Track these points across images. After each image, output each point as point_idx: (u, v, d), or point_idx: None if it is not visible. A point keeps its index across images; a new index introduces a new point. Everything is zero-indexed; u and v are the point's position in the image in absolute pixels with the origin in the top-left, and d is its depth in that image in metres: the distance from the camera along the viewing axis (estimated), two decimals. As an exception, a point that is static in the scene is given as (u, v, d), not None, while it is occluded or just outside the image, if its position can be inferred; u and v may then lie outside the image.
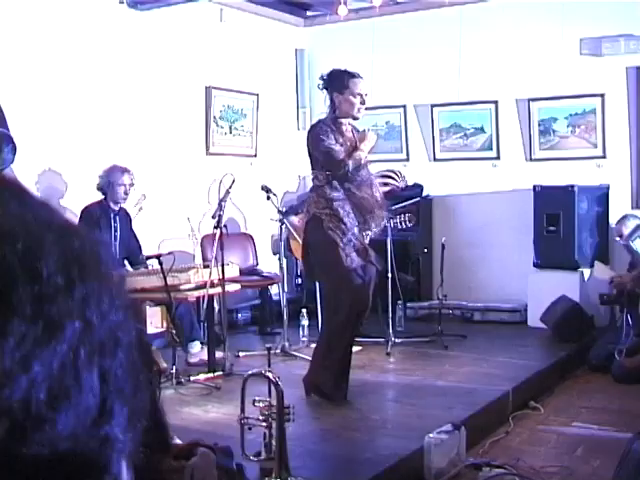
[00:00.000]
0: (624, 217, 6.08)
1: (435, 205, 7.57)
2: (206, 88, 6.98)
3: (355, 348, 4.84)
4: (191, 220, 6.57)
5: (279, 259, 6.53)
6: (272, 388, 3.12)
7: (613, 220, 6.48)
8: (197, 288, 5.00)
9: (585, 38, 6.71)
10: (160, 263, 4.79)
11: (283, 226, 6.13)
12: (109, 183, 5.45)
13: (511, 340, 6.18)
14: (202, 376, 4.92)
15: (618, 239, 6.06)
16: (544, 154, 7.08)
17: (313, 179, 4.40)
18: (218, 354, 5.13)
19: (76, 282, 0.46)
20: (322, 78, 4.44)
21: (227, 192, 5.15)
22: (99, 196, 5.48)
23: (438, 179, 7.47)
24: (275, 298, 6.68)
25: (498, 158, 7.33)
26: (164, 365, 4.75)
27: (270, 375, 3.10)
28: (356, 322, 4.33)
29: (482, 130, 7.37)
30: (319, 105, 4.83)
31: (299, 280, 7.36)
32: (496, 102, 7.22)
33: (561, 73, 6.86)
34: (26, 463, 0.42)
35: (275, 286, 6.73)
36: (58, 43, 5.65)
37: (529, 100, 7.05)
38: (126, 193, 5.51)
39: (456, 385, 4.80)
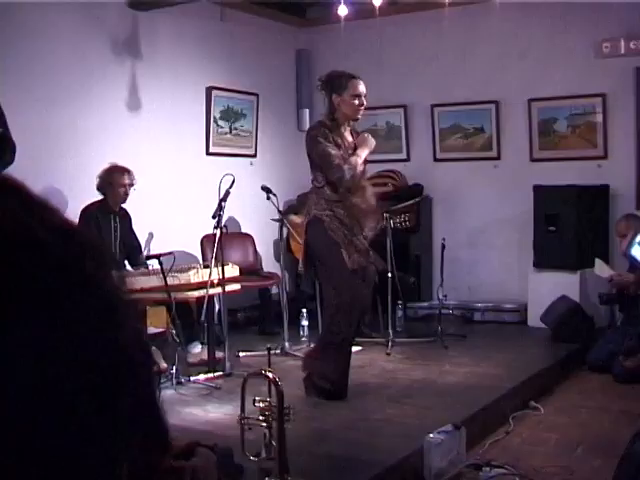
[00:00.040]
0: (625, 216, 6.08)
1: (435, 205, 7.57)
2: (206, 88, 6.98)
3: (355, 348, 4.85)
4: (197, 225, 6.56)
5: (279, 259, 6.54)
6: (272, 388, 3.12)
7: (613, 220, 6.48)
8: (197, 288, 5.00)
9: (586, 38, 6.71)
10: (160, 263, 4.79)
11: (283, 226, 6.14)
12: (109, 183, 5.45)
13: (511, 340, 6.18)
14: (202, 376, 4.92)
15: (618, 238, 6.06)
16: (544, 154, 7.08)
17: (312, 180, 4.40)
18: (218, 354, 5.13)
19: (76, 282, 0.46)
20: (321, 79, 4.44)
21: (227, 192, 5.14)
22: (99, 196, 5.48)
23: (438, 179, 7.47)
24: (275, 298, 6.67)
25: (498, 158, 7.33)
26: (164, 365, 4.75)
27: (270, 375, 3.10)
28: (357, 322, 4.33)
29: (482, 130, 7.37)
30: (319, 105, 4.82)
31: (299, 280, 7.36)
32: (496, 102, 7.22)
33: (561, 73, 6.86)
34: None
35: (275, 286, 6.73)
36: (58, 43, 5.65)
37: (529, 100, 7.05)
38: (126, 193, 5.51)
39: (456, 385, 4.79)
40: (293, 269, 6.84)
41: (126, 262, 5.58)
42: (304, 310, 6.39)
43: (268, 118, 7.60)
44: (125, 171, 5.48)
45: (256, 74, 7.43)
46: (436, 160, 7.60)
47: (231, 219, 6.77)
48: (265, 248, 7.39)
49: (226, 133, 7.24)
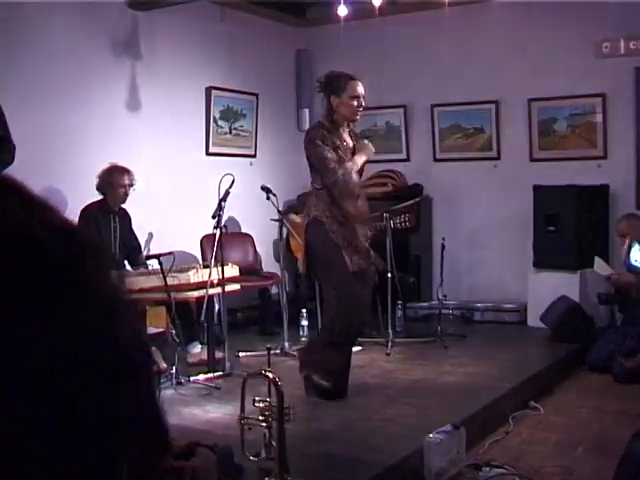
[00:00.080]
0: (625, 216, 6.08)
1: (435, 205, 7.57)
2: (206, 88, 6.98)
3: (355, 348, 4.85)
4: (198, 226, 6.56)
5: (279, 259, 6.54)
6: (272, 388, 3.11)
7: (613, 220, 6.48)
8: (197, 288, 5.00)
9: (586, 38, 6.71)
10: (160, 263, 4.79)
11: (283, 226, 6.14)
12: (109, 183, 5.45)
13: (511, 340, 6.18)
14: (202, 376, 4.92)
15: (619, 238, 6.07)
16: (544, 154, 7.07)
17: (312, 182, 4.40)
18: (218, 354, 5.13)
19: (75, 282, 0.46)
20: (319, 81, 4.44)
21: (227, 192, 5.14)
22: (99, 196, 5.48)
23: (438, 179, 7.47)
24: (275, 298, 6.67)
25: (498, 158, 7.33)
26: (164, 365, 4.75)
27: (270, 375, 3.09)
28: (358, 323, 4.32)
29: (482, 130, 7.37)
30: (319, 105, 4.83)
31: (299, 280, 7.36)
32: (496, 102, 7.22)
33: (561, 73, 6.86)
34: None
35: (275, 286, 6.73)
36: (58, 43, 5.65)
37: (529, 100, 7.05)
38: (126, 194, 5.51)
39: (456, 385, 4.80)
40: (293, 269, 6.85)
41: (126, 262, 5.58)
42: (304, 310, 6.39)
43: (268, 118, 7.60)
44: (125, 171, 5.48)
45: (256, 74, 7.43)
46: (436, 160, 7.60)
47: (231, 219, 6.77)
48: (265, 248, 7.39)
49: (226, 133, 7.24)
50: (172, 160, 6.59)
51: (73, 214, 5.22)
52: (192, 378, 4.85)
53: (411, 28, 7.47)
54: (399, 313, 6.42)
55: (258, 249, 7.17)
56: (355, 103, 4.30)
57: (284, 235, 6.37)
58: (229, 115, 7.24)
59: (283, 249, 6.30)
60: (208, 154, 7.04)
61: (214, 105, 7.03)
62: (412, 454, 3.53)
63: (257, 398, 3.16)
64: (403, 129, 7.74)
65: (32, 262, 0.44)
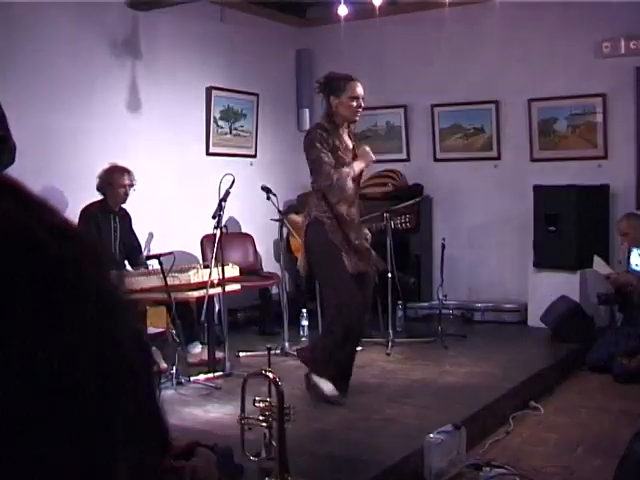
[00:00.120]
0: (626, 216, 6.08)
1: (435, 205, 7.57)
2: (206, 88, 6.98)
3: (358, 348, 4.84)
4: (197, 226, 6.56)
5: (279, 259, 6.54)
6: (272, 388, 3.11)
7: (613, 220, 6.49)
8: (197, 288, 5.00)
9: (586, 38, 6.71)
10: (160, 263, 4.79)
11: (283, 226, 6.14)
12: (109, 184, 5.45)
13: (511, 340, 6.18)
14: (202, 376, 4.92)
15: (620, 237, 6.07)
16: (544, 154, 7.07)
17: (312, 183, 4.39)
18: (218, 354, 5.13)
19: (74, 283, 0.46)
20: (318, 82, 4.44)
21: (227, 192, 5.14)
22: (99, 196, 5.48)
23: (438, 179, 7.47)
24: (275, 298, 6.67)
25: (498, 158, 7.33)
26: (164, 365, 4.75)
27: (270, 375, 3.09)
28: (359, 323, 4.31)
29: (482, 130, 7.37)
30: (319, 105, 4.83)
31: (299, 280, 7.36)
32: (496, 102, 7.22)
33: (561, 73, 6.86)
34: None
35: (275, 286, 6.73)
36: (58, 43, 5.65)
37: (529, 100, 7.05)
38: (126, 194, 5.51)
39: (456, 385, 4.80)
40: (293, 269, 6.84)
41: (126, 262, 5.58)
42: (304, 310, 6.39)
43: (268, 118, 7.60)
44: (125, 171, 5.48)
45: (256, 74, 7.43)
46: (436, 160, 7.60)
47: (231, 219, 6.77)
48: (265, 248, 7.39)
49: (226, 133, 7.24)
50: (172, 160, 6.59)
51: (73, 214, 5.23)
52: (192, 378, 4.86)
53: (411, 28, 7.47)
54: (399, 313, 6.42)
55: (258, 249, 7.17)
56: (354, 104, 4.30)
57: (284, 235, 6.37)
58: (229, 115, 7.24)
59: (283, 249, 6.31)
60: (208, 154, 7.04)
61: (214, 105, 7.03)
62: (412, 454, 3.53)
63: (257, 398, 3.16)
64: (403, 129, 7.74)
65: (29, 263, 0.44)
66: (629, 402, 4.74)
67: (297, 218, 5.96)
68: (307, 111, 7.94)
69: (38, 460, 0.44)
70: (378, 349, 5.75)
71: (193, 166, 6.80)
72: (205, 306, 4.93)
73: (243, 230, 7.20)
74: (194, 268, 5.10)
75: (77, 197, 5.43)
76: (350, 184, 4.29)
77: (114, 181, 5.44)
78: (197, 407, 4.38)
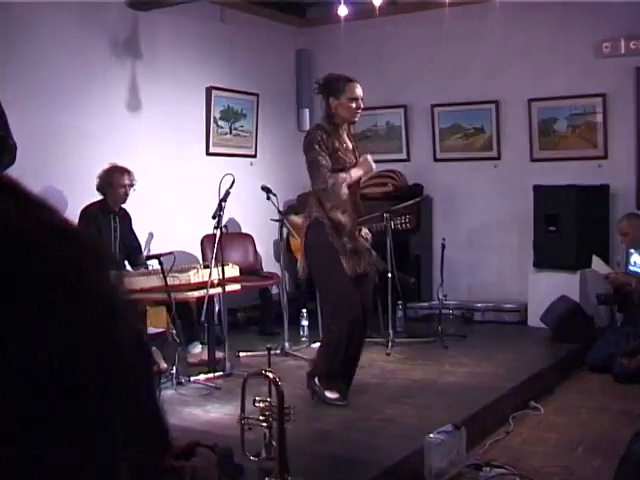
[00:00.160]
0: (627, 215, 6.08)
1: (435, 205, 7.57)
2: (206, 88, 6.98)
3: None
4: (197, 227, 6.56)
5: (279, 259, 6.54)
6: (272, 388, 3.11)
7: (613, 220, 6.49)
8: (197, 288, 5.00)
9: (586, 38, 6.71)
10: (160, 263, 4.79)
11: (283, 226, 6.14)
12: (109, 184, 5.45)
13: (511, 340, 6.18)
14: (202, 376, 4.92)
15: (620, 237, 6.07)
16: (544, 154, 7.07)
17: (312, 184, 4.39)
18: (218, 354, 5.13)
19: (73, 284, 0.46)
20: (318, 83, 4.45)
21: (227, 192, 5.14)
22: (99, 196, 5.48)
23: (438, 179, 7.47)
24: (275, 298, 6.68)
25: (498, 158, 7.33)
26: (164, 365, 4.75)
27: (270, 375, 3.09)
28: (359, 324, 4.31)
29: (482, 130, 7.37)
30: (319, 105, 4.83)
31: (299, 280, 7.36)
32: (496, 102, 7.22)
33: (561, 73, 6.86)
34: None
35: (275, 286, 6.73)
36: (58, 43, 5.65)
37: (529, 100, 7.05)
38: (126, 194, 5.51)
39: (456, 385, 4.80)
40: (293, 269, 6.84)
41: (126, 262, 5.58)
42: (304, 310, 6.39)
43: (268, 118, 7.60)
44: (125, 171, 5.48)
45: (256, 74, 7.43)
46: (436, 160, 7.60)
47: (231, 219, 6.77)
48: (265, 248, 7.39)
49: (226, 133, 7.24)
50: (172, 160, 6.59)
51: (73, 214, 5.23)
52: (192, 378, 4.86)
53: (411, 28, 7.47)
54: (399, 313, 6.42)
55: (258, 249, 7.17)
56: (354, 105, 4.30)
57: (284, 235, 6.37)
58: (229, 115, 7.24)
59: (283, 249, 6.31)
60: (208, 154, 7.04)
61: (214, 105, 7.03)
62: (412, 454, 3.53)
63: (257, 398, 3.16)
64: (403, 129, 7.74)
65: (29, 263, 0.44)
66: (629, 402, 4.74)
67: (297, 219, 5.96)
68: (307, 111, 7.94)
69: (38, 460, 0.44)
70: (378, 349, 5.75)
71: (193, 166, 6.80)
72: (205, 306, 4.93)
73: (243, 230, 7.20)
74: (194, 268, 5.10)
75: (77, 197, 5.43)
76: (345, 190, 4.24)
77: (114, 181, 5.44)
78: (197, 407, 4.38)
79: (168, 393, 4.52)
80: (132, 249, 5.66)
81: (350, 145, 4.42)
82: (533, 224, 6.68)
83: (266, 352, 3.65)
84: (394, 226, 5.85)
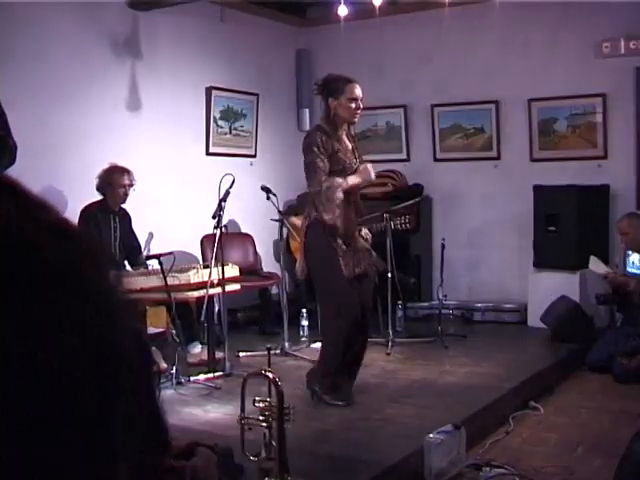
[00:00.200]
0: (627, 215, 6.08)
1: (435, 205, 7.57)
2: (206, 88, 6.98)
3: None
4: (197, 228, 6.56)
5: (279, 259, 6.54)
6: (272, 388, 3.11)
7: (613, 220, 6.48)
8: (197, 288, 5.00)
9: (586, 38, 6.71)
10: (160, 263, 4.79)
11: (283, 226, 6.14)
12: (109, 184, 5.45)
13: (511, 340, 6.18)
14: (202, 376, 4.92)
15: (620, 236, 6.07)
16: (544, 154, 7.07)
17: None
18: (218, 354, 5.13)
19: (71, 284, 0.46)
20: (317, 84, 4.44)
21: (227, 192, 5.14)
22: (99, 196, 5.48)
23: (438, 179, 7.47)
24: (275, 298, 6.67)
25: (498, 158, 7.33)
26: (164, 365, 4.75)
27: (270, 375, 3.09)
28: (357, 326, 4.30)
29: (482, 130, 7.37)
30: (319, 105, 4.83)
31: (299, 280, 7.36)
32: (496, 102, 7.22)
33: (561, 73, 6.86)
34: None
35: (275, 286, 6.73)
36: (58, 43, 5.65)
37: (529, 100, 7.05)
38: (126, 194, 5.51)
39: (456, 385, 4.80)
40: (293, 269, 6.84)
41: (126, 262, 5.58)
42: (304, 310, 6.39)
43: (268, 118, 7.60)
44: (125, 171, 5.48)
45: (256, 74, 7.43)
46: (436, 160, 7.60)
47: (231, 219, 6.77)
48: (265, 248, 7.39)
49: (226, 133, 7.24)
50: (172, 160, 6.59)
51: (73, 214, 5.23)
52: (192, 378, 4.86)
53: (411, 28, 7.47)
54: (399, 313, 6.42)
55: (258, 249, 7.17)
56: (353, 105, 4.30)
57: (284, 235, 6.37)
58: (229, 115, 7.24)
59: (283, 249, 6.31)
60: (208, 154, 7.04)
61: (214, 105, 7.03)
62: (412, 454, 3.53)
63: (257, 398, 3.16)
64: (403, 129, 7.74)
65: (29, 263, 0.44)
66: (629, 402, 4.74)
67: (297, 220, 5.96)
68: (307, 111, 7.94)
69: (38, 460, 0.44)
70: (378, 349, 5.74)
71: (193, 166, 6.80)
72: (205, 306, 4.93)
73: (243, 230, 7.20)
74: (194, 268, 5.10)
75: (77, 197, 5.43)
76: (340, 195, 4.21)
77: (114, 181, 5.44)
78: (197, 407, 4.38)
79: (168, 393, 4.52)
80: (132, 249, 5.66)
81: (350, 146, 4.42)
82: (533, 224, 6.68)
83: (266, 352, 3.65)
84: (394, 226, 5.85)
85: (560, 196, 6.47)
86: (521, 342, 6.08)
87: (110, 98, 6.08)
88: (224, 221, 5.22)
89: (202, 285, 4.96)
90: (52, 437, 0.44)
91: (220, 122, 7.15)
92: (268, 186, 5.86)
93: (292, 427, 3.11)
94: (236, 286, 5.37)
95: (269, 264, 7.32)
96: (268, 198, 5.78)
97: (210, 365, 5.07)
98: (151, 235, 6.29)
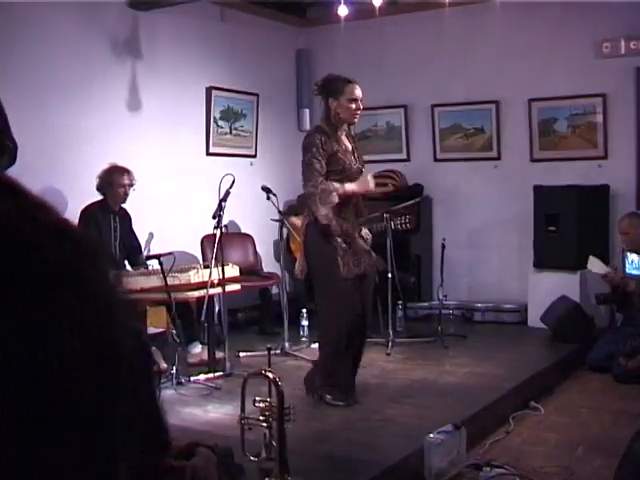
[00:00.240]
0: (628, 215, 6.08)
1: (435, 205, 7.57)
2: (206, 88, 6.98)
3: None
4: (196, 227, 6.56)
5: (279, 259, 6.54)
6: (272, 388, 3.11)
7: (613, 220, 6.48)
8: (197, 288, 5.00)
9: (586, 38, 6.71)
10: (160, 263, 4.79)
11: (283, 226, 6.14)
12: (109, 184, 5.45)
13: (511, 340, 6.18)
14: (202, 376, 4.92)
15: (621, 236, 6.07)
16: (544, 154, 7.07)
17: None
18: (218, 354, 5.13)
19: (70, 284, 0.46)
20: (317, 84, 4.44)
21: (227, 192, 5.14)
22: (99, 196, 5.48)
23: (438, 179, 7.47)
24: (275, 298, 6.67)
25: (498, 158, 7.33)
26: (164, 365, 4.75)
27: (270, 375, 3.09)
28: (357, 326, 4.30)
29: (482, 130, 7.37)
30: (319, 105, 4.83)
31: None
32: (497, 102, 7.22)
33: (561, 73, 6.86)
34: None
35: (275, 286, 6.73)
36: (58, 43, 5.65)
37: (529, 100, 7.05)
38: (126, 194, 5.51)
39: (456, 385, 4.80)
40: (293, 269, 6.84)
41: (126, 262, 5.58)
42: (304, 310, 6.39)
43: (268, 118, 7.60)
44: (125, 171, 5.48)
45: (256, 74, 7.43)
46: (436, 160, 7.60)
47: (231, 219, 6.76)
48: (265, 248, 7.39)
49: (226, 133, 7.24)
50: (172, 160, 6.59)
51: (73, 214, 5.23)
52: (192, 378, 4.86)
53: (411, 28, 7.47)
54: (399, 313, 6.42)
55: (258, 249, 7.17)
56: (353, 106, 4.30)
57: (284, 235, 6.37)
58: (229, 115, 7.24)
59: (283, 249, 6.30)
60: (208, 154, 7.04)
61: (214, 105, 7.03)
62: (412, 454, 3.53)
63: (257, 398, 3.16)
64: (403, 129, 7.74)
65: (29, 263, 0.44)
66: (629, 402, 4.74)
67: (297, 220, 5.96)
68: (307, 111, 7.93)
69: (38, 460, 0.44)
70: (378, 349, 5.75)
71: (193, 166, 6.80)
72: (205, 306, 4.93)
73: (243, 230, 7.20)
74: (194, 268, 5.10)
75: (77, 197, 5.43)
76: (334, 199, 4.22)
77: (114, 181, 5.44)
78: (197, 407, 4.38)
79: (168, 393, 4.52)
80: (132, 249, 5.66)
81: (349, 146, 4.42)
82: (533, 224, 6.68)
83: (266, 352, 3.65)
84: (394, 226, 5.85)
85: (560, 196, 6.47)
86: (521, 342, 6.08)
87: (110, 98, 6.08)
88: (224, 221, 5.22)
89: (202, 285, 4.96)
90: (52, 437, 0.44)
91: (220, 122, 7.15)
92: (268, 186, 5.85)
93: (292, 427, 3.11)
94: (236, 286, 5.37)
95: (269, 264, 7.32)
96: (268, 198, 5.77)
97: (210, 365, 5.07)
98: (151, 235, 6.28)
